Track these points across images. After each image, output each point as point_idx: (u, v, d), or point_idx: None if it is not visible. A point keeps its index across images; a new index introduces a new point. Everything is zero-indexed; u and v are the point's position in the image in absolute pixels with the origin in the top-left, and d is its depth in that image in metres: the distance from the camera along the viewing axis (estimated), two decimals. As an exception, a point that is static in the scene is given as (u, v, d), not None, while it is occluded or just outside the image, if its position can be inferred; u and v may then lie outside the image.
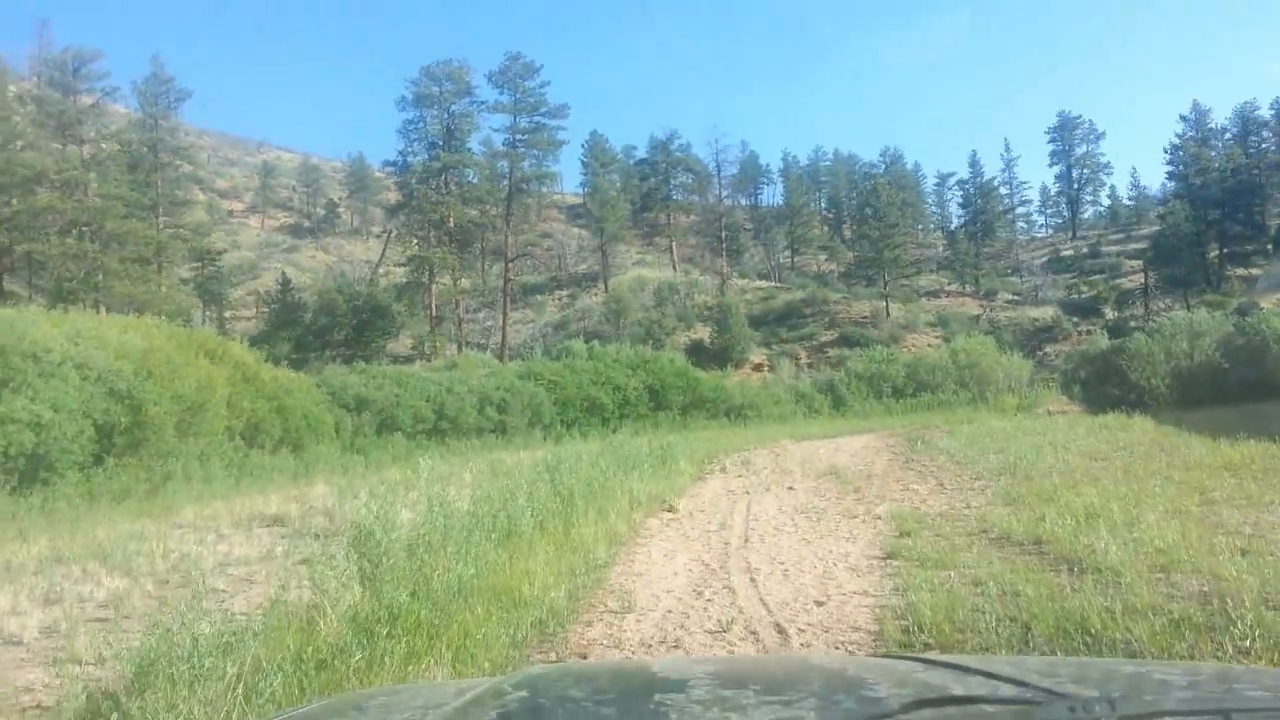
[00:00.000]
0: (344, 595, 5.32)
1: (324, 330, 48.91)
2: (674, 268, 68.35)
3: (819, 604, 6.05)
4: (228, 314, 56.12)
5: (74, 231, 44.24)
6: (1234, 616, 4.73)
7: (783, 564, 7.42)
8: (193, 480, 15.27)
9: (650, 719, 1.54)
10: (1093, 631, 4.86)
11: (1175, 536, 7.00)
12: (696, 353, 48.01)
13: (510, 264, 54.77)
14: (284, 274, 55.96)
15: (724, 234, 67.77)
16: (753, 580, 6.86)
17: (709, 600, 6.32)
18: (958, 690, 1.50)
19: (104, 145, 48.03)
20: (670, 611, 6.06)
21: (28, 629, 6.05)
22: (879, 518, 9.62)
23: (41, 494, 13.25)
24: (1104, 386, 34.05)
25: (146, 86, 52.26)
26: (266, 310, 53.42)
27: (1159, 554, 6.52)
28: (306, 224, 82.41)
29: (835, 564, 7.34)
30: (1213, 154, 66.53)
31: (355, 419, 23.46)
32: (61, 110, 46.51)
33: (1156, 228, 64.30)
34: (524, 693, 1.70)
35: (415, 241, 53.98)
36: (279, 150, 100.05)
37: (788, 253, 77.52)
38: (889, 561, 7.29)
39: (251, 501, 12.73)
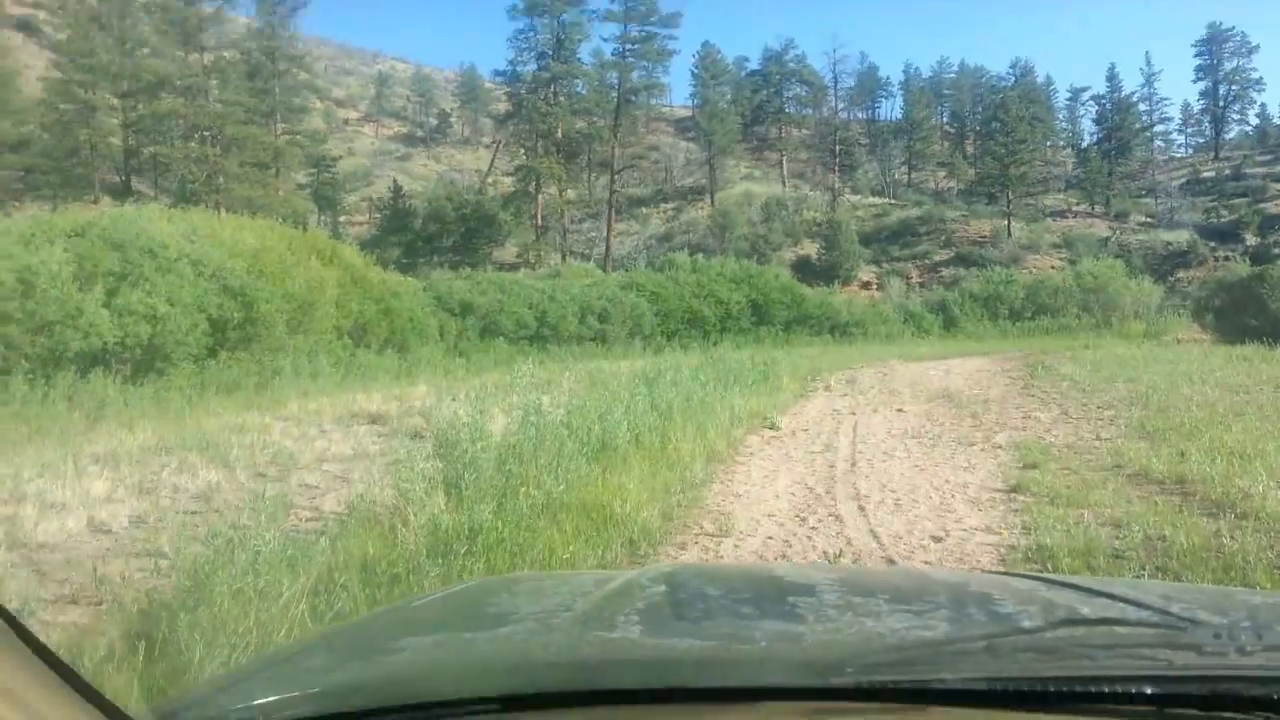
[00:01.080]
0: (427, 503, 5.07)
1: (433, 237, 49.48)
2: (783, 183, 66.42)
3: (936, 540, 5.54)
4: (342, 219, 57.17)
5: (196, 136, 45.61)
6: None
7: (894, 492, 6.91)
8: (301, 376, 15.52)
9: (788, 619, 1.60)
10: (1259, 589, 4.25)
11: (1345, 483, 6.21)
12: (803, 269, 46.83)
13: (617, 175, 54.07)
14: (395, 181, 56.53)
15: (837, 148, 65.30)
16: (861, 509, 6.38)
17: (813, 529, 5.87)
18: (1085, 611, 1.50)
19: (225, 53, 48.99)
20: (771, 538, 5.65)
21: (118, 518, 6.05)
22: (999, 447, 8.96)
23: (155, 384, 13.61)
24: (1240, 316, 32.00)
25: (265, -5, 52.70)
26: (379, 216, 54.27)
27: (1328, 502, 5.76)
28: (419, 133, 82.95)
29: (952, 495, 6.78)
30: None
31: (459, 323, 23.66)
32: (184, 18, 47.45)
33: (1312, 148, 59.17)
34: (663, 586, 1.78)
35: (523, 151, 53.80)
36: (393, 60, 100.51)
37: (904, 169, 74.33)
38: (1013, 496, 6.69)
39: (354, 399, 12.82)
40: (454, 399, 11.47)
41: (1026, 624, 1.42)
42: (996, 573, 4.40)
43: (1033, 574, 3.38)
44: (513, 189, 53.25)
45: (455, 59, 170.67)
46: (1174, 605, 1.46)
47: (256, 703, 1.30)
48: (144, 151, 46.77)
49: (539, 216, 51.77)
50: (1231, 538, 5.03)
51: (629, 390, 10.74)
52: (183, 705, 1.41)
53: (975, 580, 2.41)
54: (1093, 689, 1.12)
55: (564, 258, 48.26)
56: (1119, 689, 1.11)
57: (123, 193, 43.60)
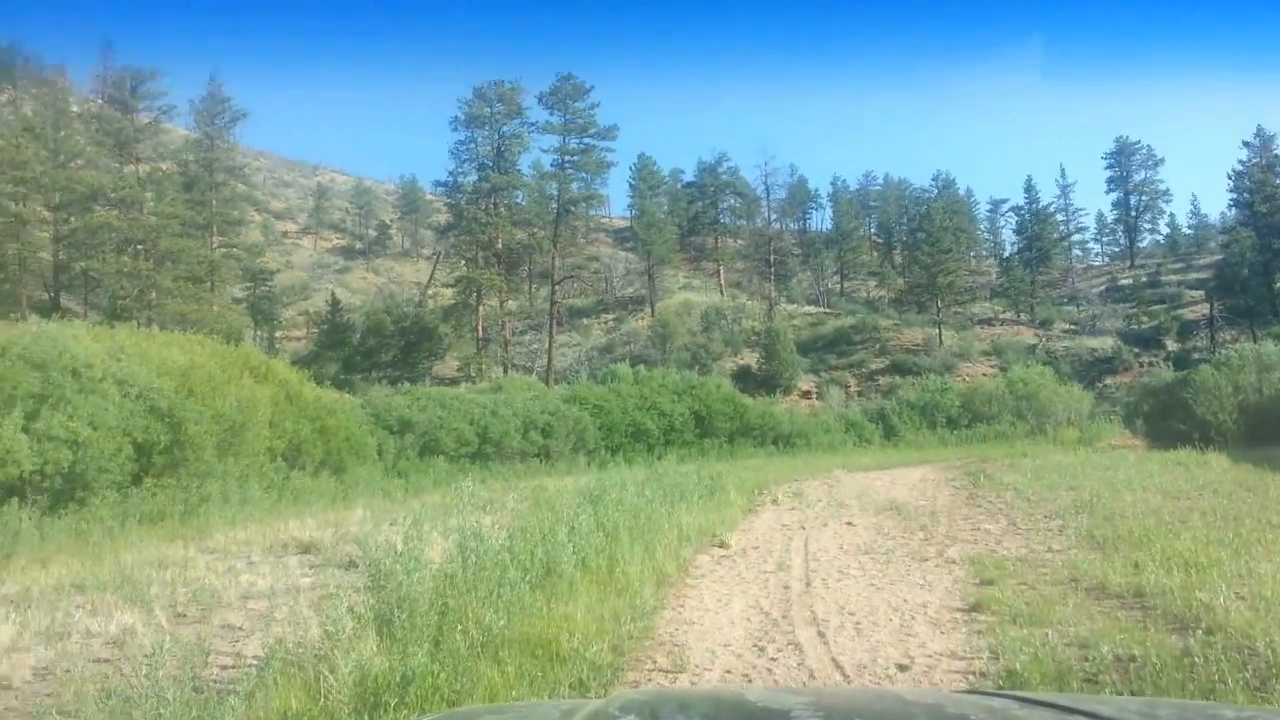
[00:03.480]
0: (357, 645, 4.70)
1: (371, 351, 48.95)
2: (721, 292, 67.64)
3: (902, 668, 5.30)
4: (278, 334, 56.45)
5: (129, 249, 44.92)
6: None
7: (853, 614, 6.67)
8: (230, 502, 14.84)
9: None
10: (1240, 705, 4.09)
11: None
12: (743, 379, 47.18)
13: (557, 286, 54.48)
14: (334, 294, 56.23)
15: (772, 258, 66.94)
16: (821, 634, 6.13)
17: (773, 659, 5.60)
18: None
19: (161, 165, 48.88)
20: (729, 672, 5.35)
21: (20, 670, 5.53)
22: (952, 561, 8.81)
23: (75, 515, 12.89)
24: (1169, 421, 32.88)
25: (203, 106, 53.23)
26: (316, 331, 53.69)
27: (1290, 614, 5.68)
28: (358, 245, 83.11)
29: (913, 616, 6.56)
30: (1278, 181, 64.17)
31: (398, 441, 23.09)
32: (119, 129, 47.49)
33: (1219, 257, 62.23)
34: (632, 716, 1.72)
35: (464, 263, 54.03)
36: (333, 172, 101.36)
37: (836, 278, 76.38)
38: (974, 615, 6.50)
39: (286, 526, 12.26)
40: (391, 523, 11.02)
41: None
42: (969, 692, 4.25)
43: (1006, 692, 3.25)
44: (453, 300, 53.23)
45: (395, 171, 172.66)
46: None
47: None
48: (74, 266, 45.83)
49: (480, 329, 51.66)
50: (1204, 656, 4.88)
51: (574, 509, 10.42)
52: None
53: (950, 701, 2.31)
54: None
55: (505, 370, 48.01)
56: None
57: (51, 310, 42.52)
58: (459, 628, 5.32)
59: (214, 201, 51.19)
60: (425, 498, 15.46)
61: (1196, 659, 4.84)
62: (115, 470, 14.36)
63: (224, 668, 5.48)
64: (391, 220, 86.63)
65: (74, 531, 11.88)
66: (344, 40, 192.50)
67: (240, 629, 6.71)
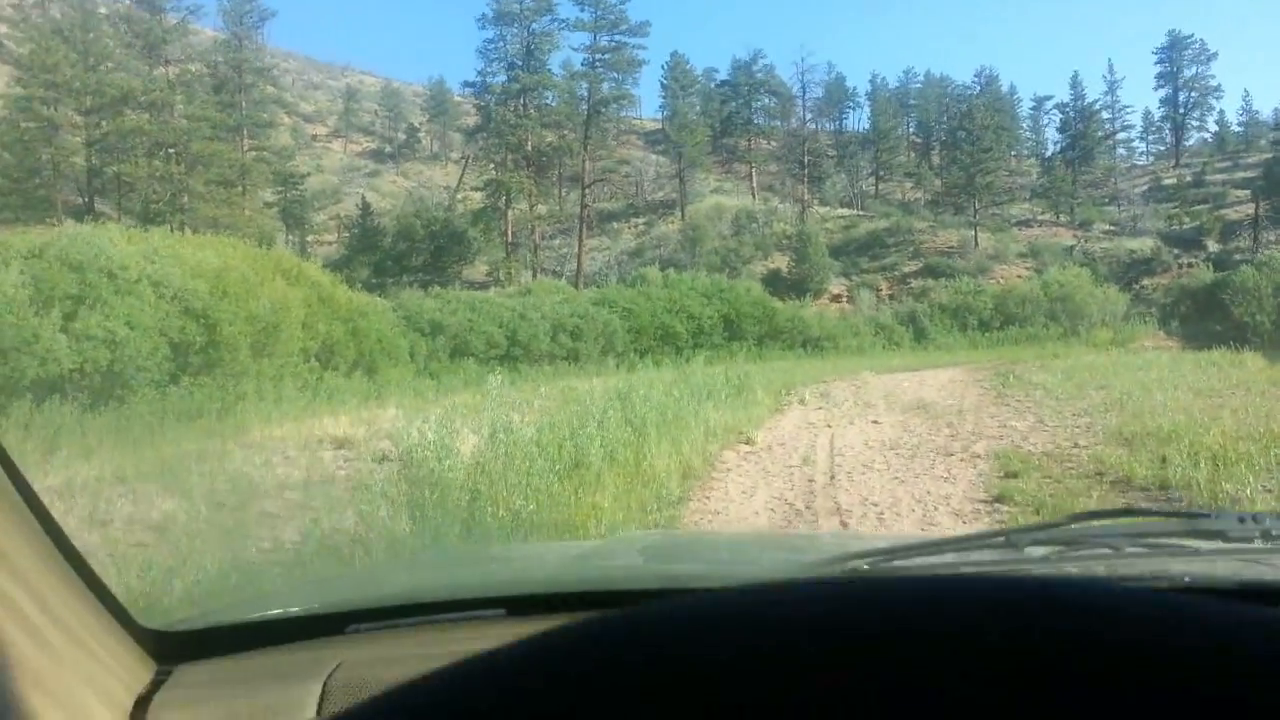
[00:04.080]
0: (391, 527, 4.84)
1: (402, 255, 49.05)
2: (753, 195, 66.68)
3: (922, 554, 5.40)
4: (310, 238, 56.59)
5: (160, 153, 44.85)
6: None
7: (876, 505, 6.76)
8: (265, 401, 15.16)
9: (790, 552, 1.73)
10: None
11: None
12: (774, 282, 46.87)
13: (587, 190, 53.99)
14: (364, 199, 56.11)
15: (806, 159, 65.66)
16: (843, 524, 6.22)
17: (795, 545, 5.72)
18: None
19: (190, 66, 48.49)
20: (751, 557, 5.48)
21: (68, 552, 5.75)
22: (978, 456, 8.85)
23: (115, 412, 13.23)
24: (1205, 322, 32.53)
25: (231, 6, 52.48)
26: (347, 235, 53.81)
27: (1316, 507, 5.68)
28: (388, 149, 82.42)
29: (936, 507, 6.64)
30: (1339, 75, 61.43)
31: (429, 343, 23.36)
32: (148, 30, 46.96)
33: (1268, 155, 60.10)
34: (657, 538, 1.93)
35: (493, 166, 53.63)
36: (362, 74, 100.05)
37: (872, 180, 74.82)
38: (998, 506, 6.56)
39: (321, 423, 12.52)
40: (424, 420, 11.20)
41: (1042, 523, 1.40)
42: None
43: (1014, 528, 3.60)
44: (482, 204, 53.01)
45: (424, 72, 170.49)
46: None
47: (256, 615, 1.30)
48: (107, 170, 45.88)
49: (509, 233, 51.54)
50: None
51: (600, 407, 10.54)
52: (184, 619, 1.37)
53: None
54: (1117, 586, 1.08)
55: (535, 275, 48.02)
56: (1145, 583, 1.08)
57: (85, 213, 42.74)
58: (489, 512, 5.46)
59: (244, 103, 50.94)
60: (456, 397, 15.69)
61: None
62: (153, 369, 14.67)
63: (262, 550, 5.67)
64: (420, 123, 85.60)
65: (114, 427, 12.19)
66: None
67: (278, 516, 6.91)
